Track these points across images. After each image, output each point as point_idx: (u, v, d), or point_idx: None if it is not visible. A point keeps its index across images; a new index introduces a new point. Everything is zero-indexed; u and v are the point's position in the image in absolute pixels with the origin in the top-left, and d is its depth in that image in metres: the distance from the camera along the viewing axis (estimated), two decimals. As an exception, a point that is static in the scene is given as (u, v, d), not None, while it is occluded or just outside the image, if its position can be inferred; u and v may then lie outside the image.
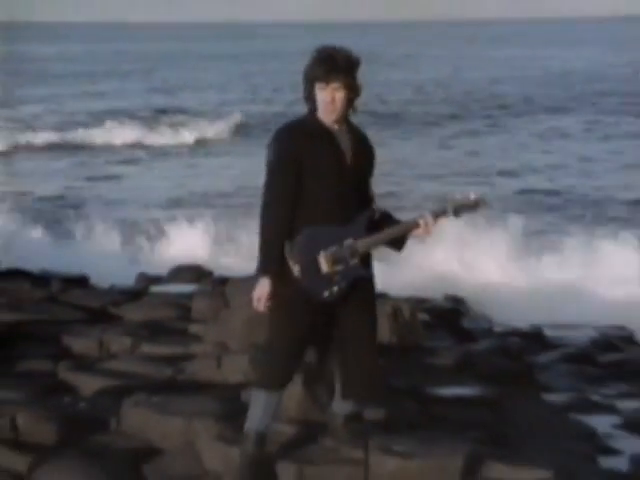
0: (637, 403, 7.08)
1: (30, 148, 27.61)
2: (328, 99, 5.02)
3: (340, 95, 5.02)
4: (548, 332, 9.12)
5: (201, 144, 28.85)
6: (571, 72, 55.29)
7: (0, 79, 51.33)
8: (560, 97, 40.61)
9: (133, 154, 27.07)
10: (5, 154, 26.54)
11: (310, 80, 5.05)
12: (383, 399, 5.43)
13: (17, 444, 5.65)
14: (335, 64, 5.00)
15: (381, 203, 5.14)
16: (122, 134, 29.84)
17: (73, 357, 7.25)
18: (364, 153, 5.12)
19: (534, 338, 8.84)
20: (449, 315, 8.84)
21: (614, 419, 6.68)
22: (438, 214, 5.08)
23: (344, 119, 5.10)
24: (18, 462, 5.47)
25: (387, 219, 5.12)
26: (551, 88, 44.97)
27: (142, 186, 21.14)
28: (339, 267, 4.97)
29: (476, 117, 34.45)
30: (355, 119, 5.16)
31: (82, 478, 5.25)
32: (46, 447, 5.63)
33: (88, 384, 6.58)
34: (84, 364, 7.01)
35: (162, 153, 27.28)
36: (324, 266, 4.96)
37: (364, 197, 5.08)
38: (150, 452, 5.63)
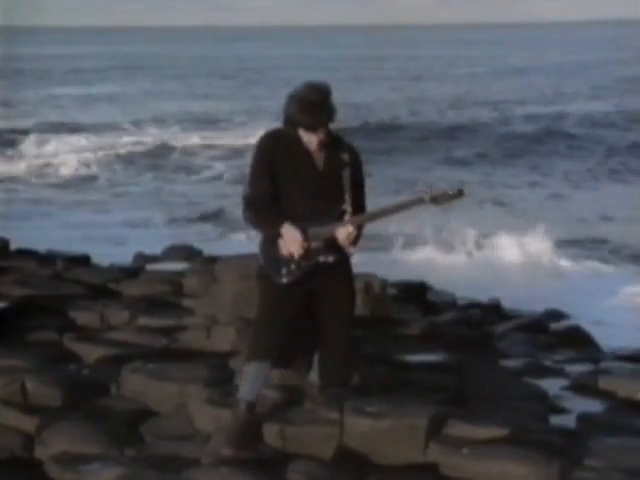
0: (583, 367, 7.10)
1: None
2: (314, 141, 4.94)
3: (322, 134, 4.94)
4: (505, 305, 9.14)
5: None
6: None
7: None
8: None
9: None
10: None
11: (295, 123, 4.92)
12: (350, 382, 5.40)
13: (26, 407, 5.65)
14: (321, 116, 4.88)
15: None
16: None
17: (77, 328, 7.20)
18: (338, 164, 4.99)
19: (492, 310, 8.85)
20: (416, 289, 8.82)
21: (563, 382, 6.69)
22: (415, 202, 4.91)
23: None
24: (27, 423, 5.47)
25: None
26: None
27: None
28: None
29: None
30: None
31: (85, 437, 5.24)
32: (52, 409, 5.63)
33: (90, 353, 6.56)
34: (87, 335, 6.97)
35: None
36: (283, 248, 4.95)
37: (336, 201, 4.98)
38: (147, 414, 5.63)
